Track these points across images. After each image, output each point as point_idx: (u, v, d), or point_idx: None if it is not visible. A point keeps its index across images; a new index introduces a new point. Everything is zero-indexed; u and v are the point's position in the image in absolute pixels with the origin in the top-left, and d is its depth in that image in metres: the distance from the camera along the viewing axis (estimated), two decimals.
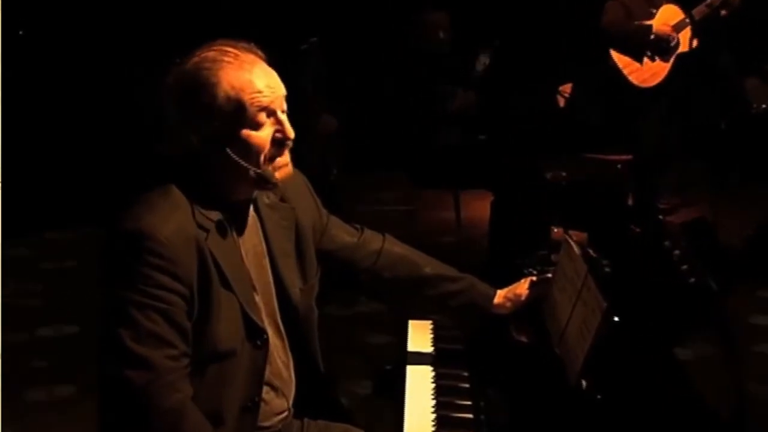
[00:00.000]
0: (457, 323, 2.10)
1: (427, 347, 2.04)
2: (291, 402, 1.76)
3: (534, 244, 2.15)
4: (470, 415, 1.76)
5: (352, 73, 5.55)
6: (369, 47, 5.78)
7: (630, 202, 4.52)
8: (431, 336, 2.09)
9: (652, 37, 4.51)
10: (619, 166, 4.54)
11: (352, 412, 1.91)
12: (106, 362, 1.47)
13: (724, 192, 4.72)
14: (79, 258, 4.56)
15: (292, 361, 1.75)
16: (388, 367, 2.05)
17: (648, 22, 4.54)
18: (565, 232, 1.94)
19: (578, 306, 1.65)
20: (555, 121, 4.85)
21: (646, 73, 4.58)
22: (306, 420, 1.80)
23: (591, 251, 1.88)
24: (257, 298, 1.65)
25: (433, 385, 1.87)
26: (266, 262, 1.69)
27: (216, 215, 1.56)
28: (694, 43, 4.51)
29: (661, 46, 4.54)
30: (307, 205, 1.81)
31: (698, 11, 4.53)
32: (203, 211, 1.54)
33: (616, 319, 1.50)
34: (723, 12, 4.44)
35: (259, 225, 1.69)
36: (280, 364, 1.72)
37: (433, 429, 1.72)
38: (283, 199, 1.73)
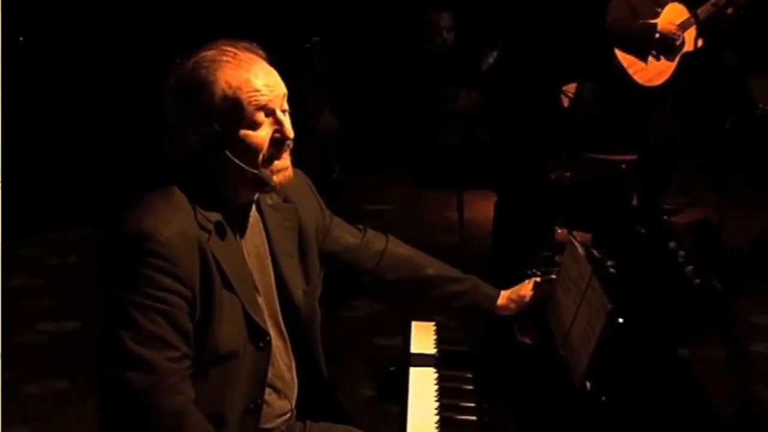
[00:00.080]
0: (461, 325, 2.09)
1: (431, 349, 2.03)
2: (293, 404, 1.75)
3: (538, 245, 2.14)
4: (474, 417, 1.75)
5: (354, 73, 5.54)
6: (371, 47, 5.77)
7: (635, 202, 4.52)
8: (434, 337, 2.08)
9: (657, 36, 4.51)
10: (623, 166, 4.54)
11: (355, 414, 1.89)
12: (107, 364, 1.46)
13: (729, 192, 4.71)
14: (81, 255, 4.57)
15: (295, 363, 1.75)
16: (391, 369, 2.05)
17: (653, 21, 4.53)
18: (569, 232, 1.94)
19: (582, 307, 1.65)
20: (559, 121, 4.84)
21: (651, 72, 4.57)
22: (308, 422, 1.80)
23: (595, 252, 1.88)
24: (259, 300, 1.64)
25: (437, 387, 1.86)
26: (269, 262, 1.69)
27: (216, 216, 1.55)
28: (700, 42, 4.50)
29: (666, 45, 4.53)
30: (311, 206, 1.81)
31: (703, 10, 4.52)
32: (204, 212, 1.54)
33: (620, 320, 1.49)
34: (729, 10, 4.42)
35: (261, 225, 1.69)
36: (283, 366, 1.71)
37: (437, 431, 1.71)
38: (286, 200, 1.73)
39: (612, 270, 1.88)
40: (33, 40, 5.13)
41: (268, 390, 1.66)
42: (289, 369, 1.73)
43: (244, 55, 1.55)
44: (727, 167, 4.80)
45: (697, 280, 1.93)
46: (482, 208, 4.57)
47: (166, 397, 1.45)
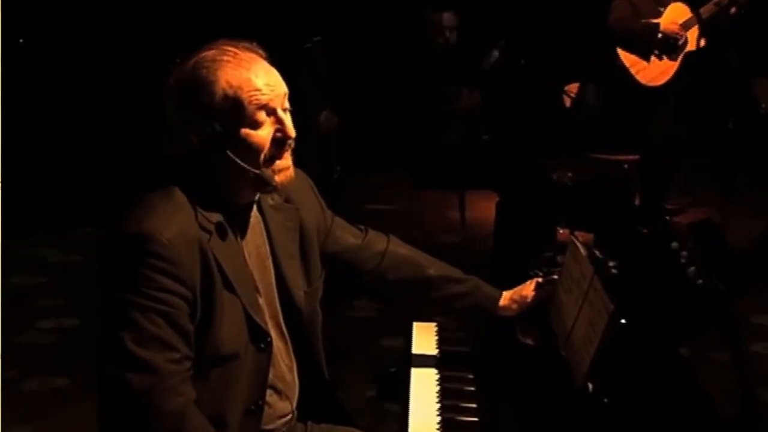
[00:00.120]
0: (462, 325, 2.09)
1: (432, 350, 2.03)
2: (294, 405, 1.75)
3: (539, 245, 2.14)
4: (475, 418, 1.75)
5: (354, 73, 5.54)
6: (372, 46, 5.77)
7: (637, 202, 4.51)
8: (436, 338, 2.08)
9: (660, 35, 4.50)
10: (625, 166, 4.53)
11: (356, 415, 1.89)
12: (107, 365, 1.46)
13: (732, 192, 4.70)
14: (82, 254, 4.57)
15: (296, 364, 1.74)
16: (392, 370, 2.05)
17: (655, 21, 4.53)
18: (571, 233, 1.93)
19: (585, 308, 1.64)
20: (561, 121, 4.84)
21: (654, 71, 4.56)
22: (310, 423, 1.79)
23: (597, 252, 1.87)
24: (260, 301, 1.63)
25: (438, 388, 1.86)
26: (269, 263, 1.68)
27: (217, 217, 1.54)
28: (702, 41, 4.49)
29: (669, 45, 4.52)
30: (312, 206, 1.80)
31: (706, 10, 4.51)
32: (205, 212, 1.53)
33: (622, 321, 1.49)
34: (732, 9, 4.41)
35: (262, 226, 1.68)
36: (284, 367, 1.70)
37: None
38: (287, 200, 1.72)
39: (614, 270, 1.88)
40: (33, 41, 5.12)
41: (269, 391, 1.66)
42: (290, 370, 1.73)
43: (245, 55, 1.54)
44: (730, 167, 4.79)
45: (700, 281, 1.92)
46: (484, 208, 4.57)
47: (166, 398, 1.44)
